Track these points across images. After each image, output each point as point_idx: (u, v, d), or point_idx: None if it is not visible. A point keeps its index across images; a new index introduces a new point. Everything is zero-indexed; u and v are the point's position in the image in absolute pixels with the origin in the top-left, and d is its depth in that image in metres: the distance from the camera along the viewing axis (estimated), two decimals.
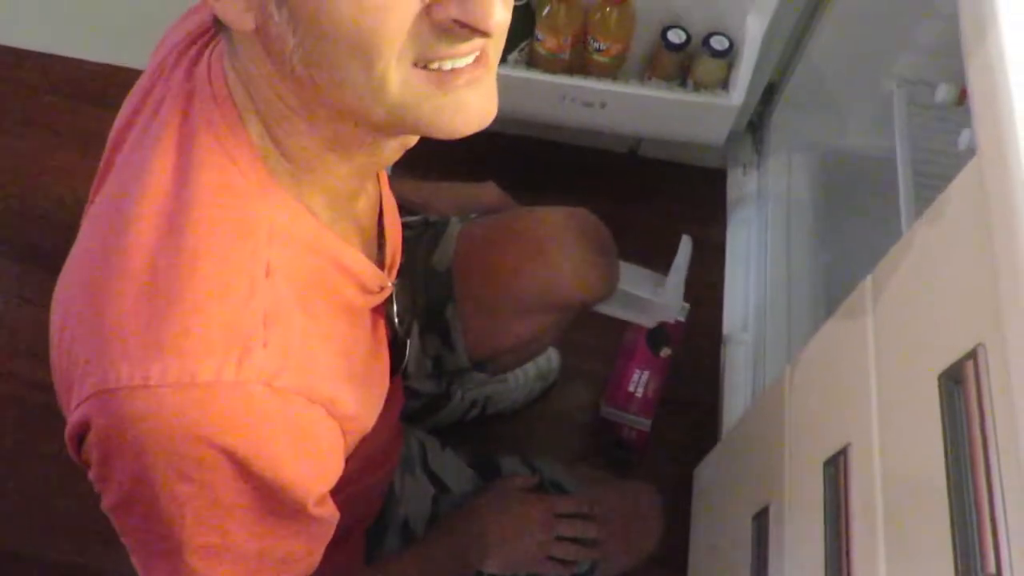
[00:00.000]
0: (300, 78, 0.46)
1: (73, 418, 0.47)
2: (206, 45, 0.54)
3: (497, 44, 0.49)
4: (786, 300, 1.18)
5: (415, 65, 0.45)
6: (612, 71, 1.19)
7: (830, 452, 0.68)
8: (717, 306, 1.27)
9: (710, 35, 1.16)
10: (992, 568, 0.44)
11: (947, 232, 0.57)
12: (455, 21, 0.43)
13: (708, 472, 1.10)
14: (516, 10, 1.12)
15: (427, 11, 0.43)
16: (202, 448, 0.45)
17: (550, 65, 1.16)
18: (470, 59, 0.47)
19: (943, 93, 1.04)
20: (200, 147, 0.49)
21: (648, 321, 1.07)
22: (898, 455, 0.59)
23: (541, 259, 0.85)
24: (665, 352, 1.19)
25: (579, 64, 1.18)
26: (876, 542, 0.59)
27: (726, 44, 1.15)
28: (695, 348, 1.26)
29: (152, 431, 0.45)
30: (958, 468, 0.49)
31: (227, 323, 0.45)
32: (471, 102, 0.48)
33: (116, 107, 0.58)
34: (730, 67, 1.18)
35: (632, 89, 1.17)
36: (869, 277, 0.69)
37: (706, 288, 1.27)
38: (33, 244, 1.31)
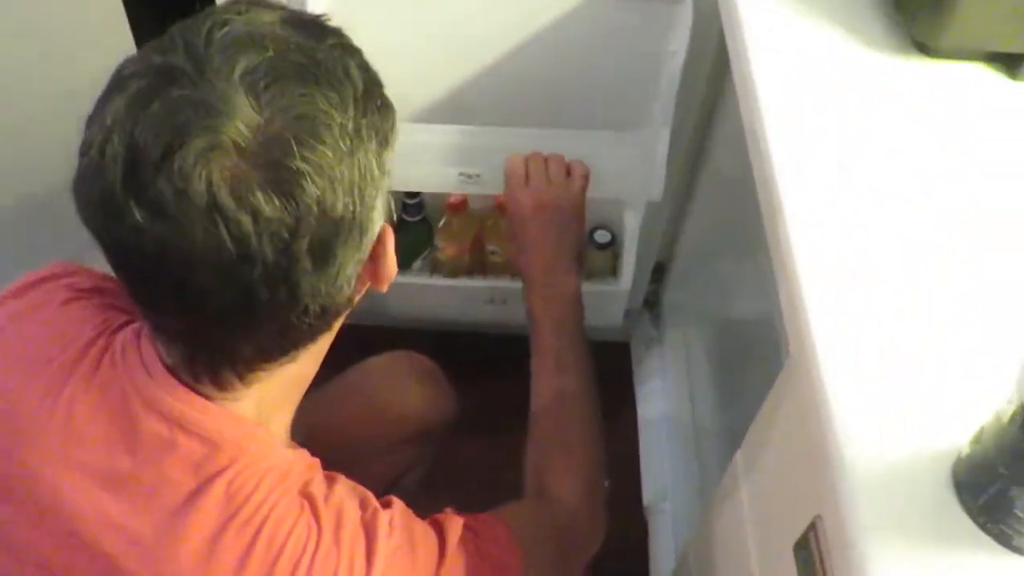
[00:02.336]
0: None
1: None
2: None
3: None
4: (697, 467, 1.23)
5: None
6: (510, 270, 1.29)
7: None
8: (637, 478, 1.32)
9: (595, 229, 1.28)
10: None
11: (784, 413, 0.65)
12: None
13: None
14: (415, 224, 1.24)
15: None
16: None
17: (451, 270, 1.26)
18: None
19: None
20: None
21: None
22: None
23: (378, 402, 0.93)
24: None
25: (478, 266, 1.28)
26: None
27: (608, 237, 1.28)
28: (622, 519, 1.29)
29: None
30: None
31: None
32: None
33: None
34: (616, 256, 1.29)
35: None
36: (739, 452, 0.75)
37: (625, 461, 1.32)
38: None
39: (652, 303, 1.48)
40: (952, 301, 0.58)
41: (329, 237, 0.51)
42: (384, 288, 0.61)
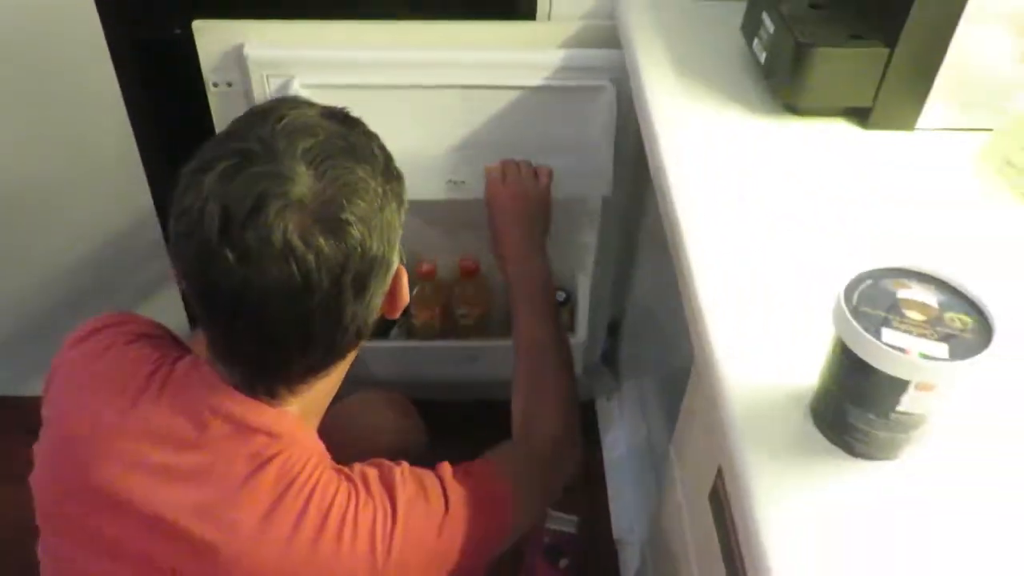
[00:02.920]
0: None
1: None
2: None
3: None
4: (657, 497, 1.35)
5: None
6: (479, 331, 1.44)
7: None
8: (607, 516, 1.43)
9: None
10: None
11: (696, 401, 0.79)
12: None
13: None
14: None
15: None
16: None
17: (425, 334, 1.41)
18: None
19: None
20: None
21: None
22: (703, 550, 0.75)
23: (356, 431, 1.06)
24: (564, 563, 1.32)
25: (450, 329, 1.43)
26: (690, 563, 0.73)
27: (563, 296, 1.43)
28: (597, 555, 1.40)
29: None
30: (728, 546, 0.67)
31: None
32: None
33: None
34: (572, 314, 1.45)
35: (495, 342, 1.41)
36: (671, 446, 0.89)
37: (595, 502, 1.44)
38: None
39: (610, 358, 1.63)
40: (810, 296, 0.73)
41: (366, 271, 0.68)
42: (397, 315, 0.79)
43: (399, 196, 0.73)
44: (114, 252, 1.46)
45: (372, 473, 0.75)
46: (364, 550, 0.70)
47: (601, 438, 1.55)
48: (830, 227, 0.80)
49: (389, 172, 0.72)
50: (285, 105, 0.70)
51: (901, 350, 0.53)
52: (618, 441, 1.52)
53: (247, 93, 1.20)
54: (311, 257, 0.64)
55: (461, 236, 1.39)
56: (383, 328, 1.40)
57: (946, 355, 0.53)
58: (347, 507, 0.71)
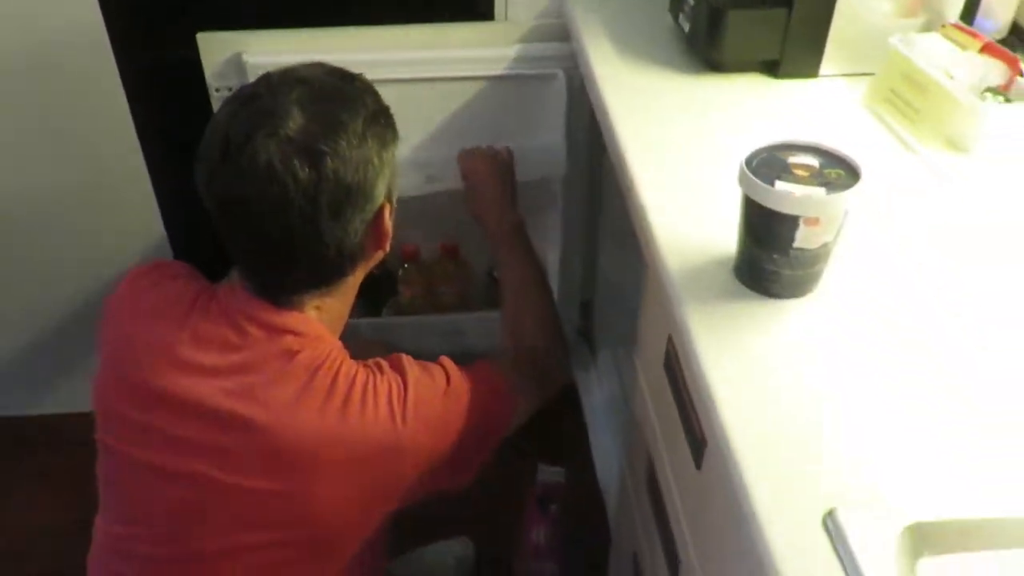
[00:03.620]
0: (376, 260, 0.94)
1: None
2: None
3: None
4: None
5: None
6: (461, 308, 1.58)
7: (646, 465, 0.98)
8: (592, 469, 1.57)
9: None
10: (698, 432, 0.75)
11: (649, 299, 0.95)
12: None
13: None
14: (379, 276, 1.53)
15: None
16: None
17: (413, 310, 1.55)
18: None
19: None
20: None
21: None
22: (667, 429, 0.90)
23: None
24: (554, 508, 1.45)
25: (435, 306, 1.57)
26: (658, 448, 0.87)
27: None
28: (585, 502, 1.52)
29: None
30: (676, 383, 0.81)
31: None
32: None
33: None
34: None
35: (476, 316, 1.56)
36: (635, 355, 1.04)
37: (580, 459, 1.57)
38: None
39: (585, 334, 1.78)
40: (730, 195, 0.89)
41: (341, 198, 0.83)
42: (385, 248, 0.93)
43: (382, 139, 0.86)
44: (121, 259, 1.59)
45: (383, 362, 0.89)
46: (384, 415, 0.84)
47: (582, 402, 1.69)
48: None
49: (375, 119, 0.87)
50: (301, 65, 0.87)
51: (790, 193, 0.69)
52: (597, 403, 1.66)
53: None
54: (288, 179, 0.79)
55: (442, 223, 1.54)
56: (376, 305, 1.54)
57: (824, 194, 0.69)
58: (367, 383, 0.85)
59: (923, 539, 0.57)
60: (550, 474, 1.50)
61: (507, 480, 1.52)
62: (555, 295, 1.56)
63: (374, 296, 1.53)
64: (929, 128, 0.97)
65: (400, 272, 1.53)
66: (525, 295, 1.17)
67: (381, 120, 0.88)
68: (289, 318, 0.85)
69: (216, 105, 1.37)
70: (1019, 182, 0.92)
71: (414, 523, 1.17)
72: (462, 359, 1.56)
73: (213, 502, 0.83)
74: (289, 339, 0.84)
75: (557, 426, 1.47)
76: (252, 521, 0.83)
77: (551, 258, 1.59)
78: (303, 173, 0.79)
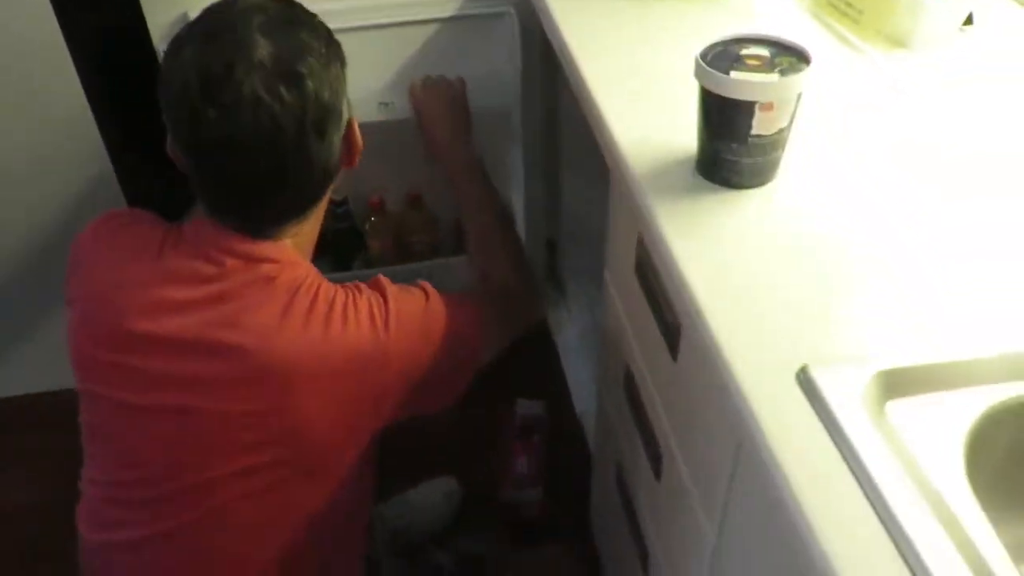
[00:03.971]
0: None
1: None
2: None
3: None
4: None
5: None
6: (432, 254, 1.60)
7: (623, 372, 1.01)
8: (568, 399, 1.60)
9: None
10: (672, 323, 0.78)
11: (616, 205, 0.97)
12: None
13: (597, 509, 1.37)
14: (346, 230, 1.53)
15: None
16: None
17: (384, 262, 1.56)
18: None
19: None
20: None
21: None
22: (642, 331, 0.93)
23: None
24: (536, 438, 1.49)
25: (406, 255, 1.58)
26: (633, 354, 0.91)
27: None
28: (564, 430, 1.56)
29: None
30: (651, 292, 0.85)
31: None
32: None
33: None
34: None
35: (447, 261, 1.57)
36: (605, 271, 1.07)
37: (556, 391, 1.61)
38: None
39: (553, 272, 1.81)
40: (684, 93, 0.91)
41: (324, 116, 0.84)
42: (355, 162, 0.94)
43: (340, 57, 0.89)
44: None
45: (361, 283, 0.92)
46: (366, 326, 0.86)
47: (555, 339, 1.72)
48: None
49: (330, 38, 0.89)
50: None
51: (745, 80, 0.72)
52: (570, 337, 1.69)
53: None
54: (276, 106, 0.80)
55: (404, 173, 1.55)
56: (346, 260, 1.55)
57: (777, 79, 0.72)
58: (347, 300, 0.87)
59: (889, 384, 0.60)
60: (529, 407, 1.54)
61: (489, 420, 1.56)
62: (522, 235, 1.59)
63: (344, 252, 1.53)
64: (872, 27, 1.01)
65: (367, 226, 1.54)
66: (489, 229, 1.18)
67: (333, 39, 0.90)
68: (266, 248, 0.87)
69: None
70: (954, 74, 0.97)
71: (401, 465, 1.20)
72: None
73: (203, 432, 0.84)
74: (267, 267, 0.86)
75: (532, 363, 1.50)
76: (243, 445, 0.84)
77: (515, 197, 1.61)
78: (289, 96, 0.81)
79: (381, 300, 0.89)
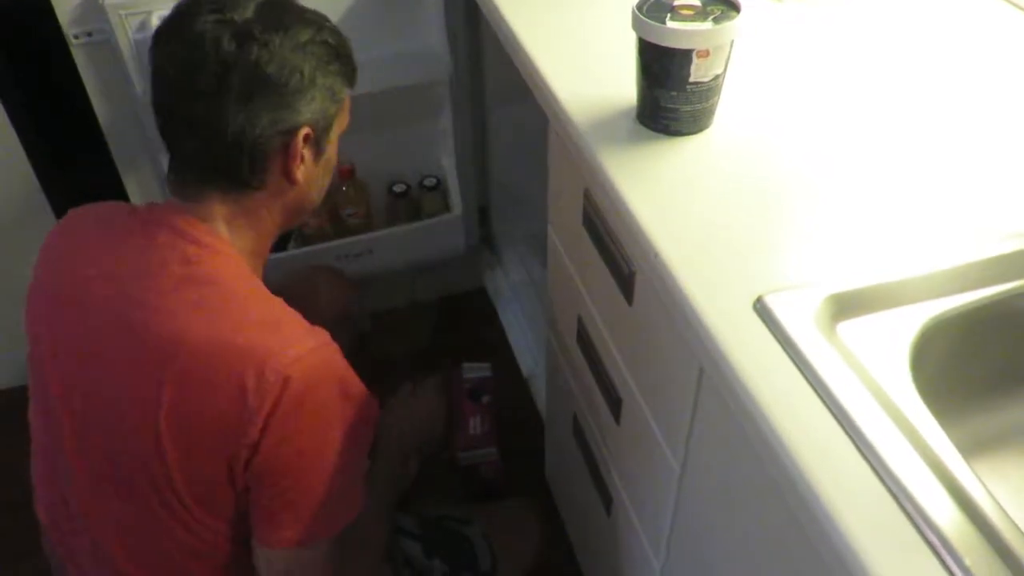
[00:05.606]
0: (295, 202, 0.93)
1: (273, 380, 0.79)
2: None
3: None
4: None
5: None
6: (367, 228, 1.59)
7: (575, 324, 1.04)
8: (513, 361, 1.64)
9: (423, 178, 1.62)
10: (626, 269, 0.81)
11: (554, 164, 1.00)
12: None
13: (553, 465, 1.41)
14: None
15: None
16: (342, 371, 0.86)
17: (321, 238, 1.55)
18: None
19: None
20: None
21: None
22: (593, 280, 0.96)
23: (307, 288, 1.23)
24: (486, 399, 1.51)
25: (342, 230, 1.58)
26: (585, 304, 0.94)
27: (435, 181, 1.61)
28: (512, 396, 1.59)
29: (327, 365, 0.84)
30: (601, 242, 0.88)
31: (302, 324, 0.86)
32: None
33: None
34: (445, 195, 1.63)
35: (382, 234, 1.58)
36: (550, 227, 1.09)
37: (500, 353, 1.64)
38: None
39: (487, 238, 1.83)
40: (620, 47, 0.94)
41: (254, 85, 0.83)
42: (294, 175, 0.90)
43: (323, 62, 0.87)
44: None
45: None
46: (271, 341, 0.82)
47: (495, 304, 1.75)
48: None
49: (326, 45, 0.88)
50: None
51: (681, 29, 0.75)
52: (509, 301, 1.72)
53: (108, 41, 1.31)
54: (211, 48, 0.81)
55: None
56: (280, 242, 1.53)
57: (711, 26, 0.75)
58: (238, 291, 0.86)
59: (839, 306, 0.65)
60: (477, 370, 1.55)
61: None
62: (456, 201, 1.60)
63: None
64: None
65: None
66: (378, 505, 1.05)
67: (332, 52, 0.89)
68: (200, 229, 0.86)
69: (80, 59, 1.31)
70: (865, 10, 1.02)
71: None
72: (376, 278, 1.59)
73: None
74: (191, 249, 0.85)
75: (475, 330, 1.53)
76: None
77: (446, 163, 1.62)
78: (226, 46, 0.81)
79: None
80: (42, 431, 0.92)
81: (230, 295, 0.84)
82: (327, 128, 0.91)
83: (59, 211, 1.52)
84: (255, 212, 0.90)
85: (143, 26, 1.28)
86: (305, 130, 0.88)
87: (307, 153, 0.90)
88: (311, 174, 0.92)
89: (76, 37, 1.31)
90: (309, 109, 0.87)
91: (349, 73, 0.93)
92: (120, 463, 0.85)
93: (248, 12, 0.83)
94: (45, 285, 0.90)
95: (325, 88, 0.88)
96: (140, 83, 1.33)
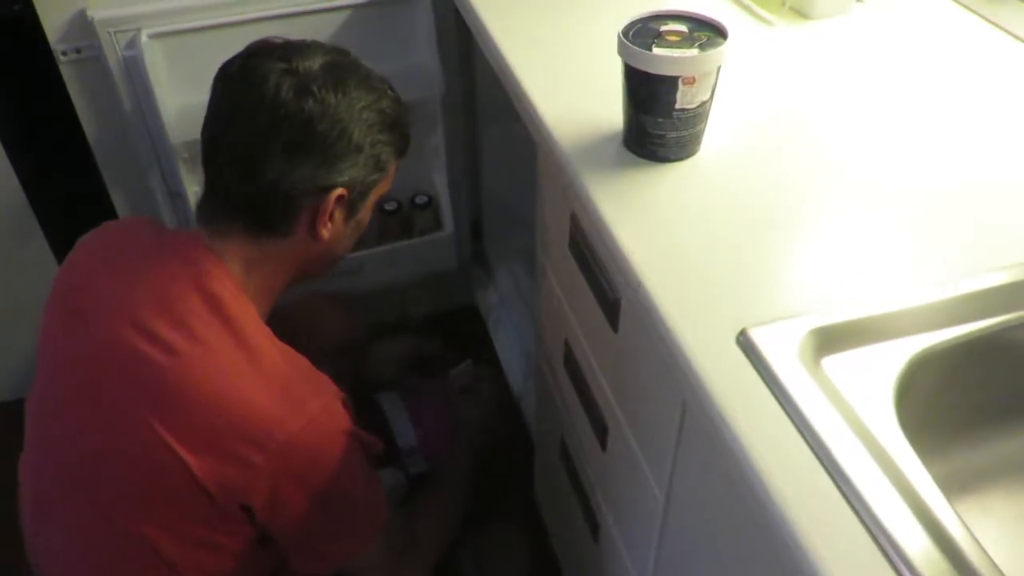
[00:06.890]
0: (318, 257, 0.94)
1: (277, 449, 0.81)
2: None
3: None
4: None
5: None
6: (358, 245, 1.57)
7: (562, 348, 1.03)
8: (505, 380, 1.62)
9: (414, 196, 1.61)
10: (611, 296, 0.80)
11: (544, 185, 0.99)
12: None
13: (542, 487, 1.39)
14: None
15: None
16: (345, 426, 0.88)
17: None
18: None
19: None
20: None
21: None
22: (579, 306, 0.95)
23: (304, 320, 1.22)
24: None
25: None
26: (572, 328, 0.93)
27: (426, 199, 1.61)
28: (501, 416, 1.58)
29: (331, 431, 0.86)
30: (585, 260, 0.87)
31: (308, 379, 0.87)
32: None
33: None
34: (437, 212, 1.62)
35: (373, 251, 1.57)
36: (538, 248, 1.08)
37: (492, 371, 1.62)
38: None
39: (479, 255, 1.82)
40: (607, 69, 0.94)
41: (303, 137, 0.84)
42: (320, 237, 0.90)
43: (375, 128, 0.88)
44: None
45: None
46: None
47: (486, 322, 1.74)
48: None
49: (382, 112, 0.89)
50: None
51: (667, 55, 0.74)
52: (500, 319, 1.71)
53: (97, 58, 1.30)
54: (269, 91, 0.82)
55: None
56: None
57: (697, 53, 0.74)
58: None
59: (824, 339, 0.64)
60: (464, 371, 1.52)
61: None
62: (448, 217, 1.59)
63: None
64: (777, 0, 1.05)
65: None
66: (449, 500, 1.14)
67: (387, 121, 0.91)
68: (215, 278, 0.86)
69: (68, 76, 1.31)
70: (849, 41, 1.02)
71: None
72: (367, 295, 1.58)
73: None
74: (213, 285, 0.85)
75: (465, 348, 1.51)
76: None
77: (437, 181, 1.61)
78: (284, 95, 0.82)
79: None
80: (33, 443, 0.93)
81: (240, 342, 0.84)
82: (365, 193, 0.92)
83: (46, 227, 1.51)
84: (276, 257, 0.91)
85: (132, 43, 1.28)
86: (340, 191, 0.88)
87: (338, 213, 0.91)
88: (338, 232, 0.93)
89: (64, 54, 1.30)
90: (350, 172, 0.88)
91: (400, 144, 0.94)
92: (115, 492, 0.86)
93: (315, 65, 0.85)
94: (59, 298, 0.92)
95: (371, 155, 0.89)
96: (129, 100, 1.32)
